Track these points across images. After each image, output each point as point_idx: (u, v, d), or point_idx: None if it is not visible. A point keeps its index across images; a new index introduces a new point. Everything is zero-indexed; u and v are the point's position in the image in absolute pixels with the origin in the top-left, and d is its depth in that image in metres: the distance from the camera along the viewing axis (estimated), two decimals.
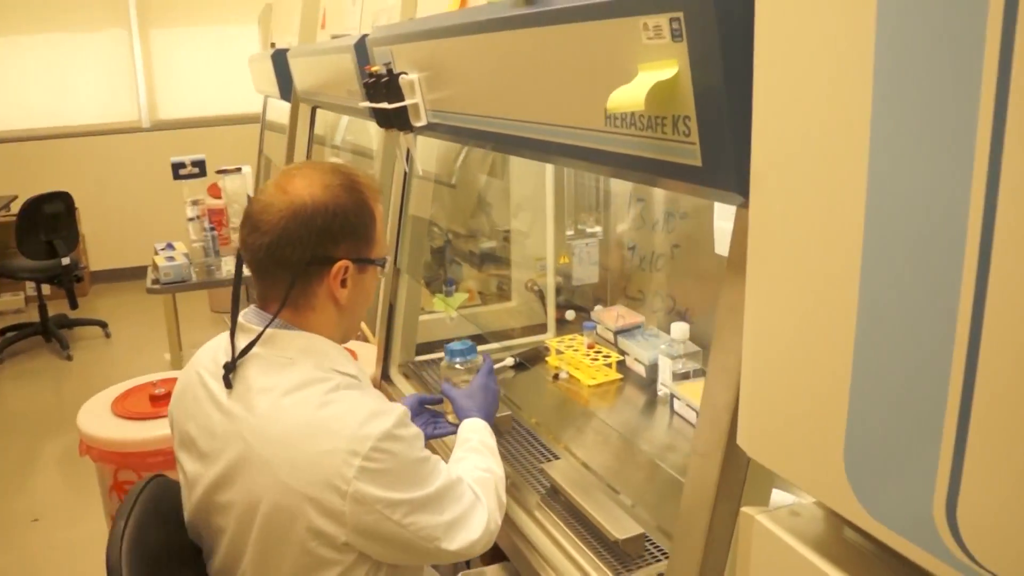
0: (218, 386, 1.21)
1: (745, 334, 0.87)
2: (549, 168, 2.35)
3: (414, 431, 1.19)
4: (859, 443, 0.76)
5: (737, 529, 0.99)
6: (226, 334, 1.26)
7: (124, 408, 2.17)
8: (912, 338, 0.68)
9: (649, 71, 0.92)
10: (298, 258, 1.19)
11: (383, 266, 1.29)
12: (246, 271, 1.26)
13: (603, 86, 1.04)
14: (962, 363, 0.64)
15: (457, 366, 1.82)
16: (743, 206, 0.92)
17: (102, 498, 2.18)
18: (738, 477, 0.98)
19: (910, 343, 0.69)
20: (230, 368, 1.19)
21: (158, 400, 2.19)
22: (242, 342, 1.21)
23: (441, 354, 2.39)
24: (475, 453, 1.42)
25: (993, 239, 0.60)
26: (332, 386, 1.16)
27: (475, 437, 1.47)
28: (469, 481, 1.31)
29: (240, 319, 1.25)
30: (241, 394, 1.18)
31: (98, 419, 2.14)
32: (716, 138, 0.88)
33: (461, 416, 1.55)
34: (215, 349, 1.29)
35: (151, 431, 2.07)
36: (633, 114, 0.99)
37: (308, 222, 1.17)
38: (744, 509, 0.93)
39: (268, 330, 1.20)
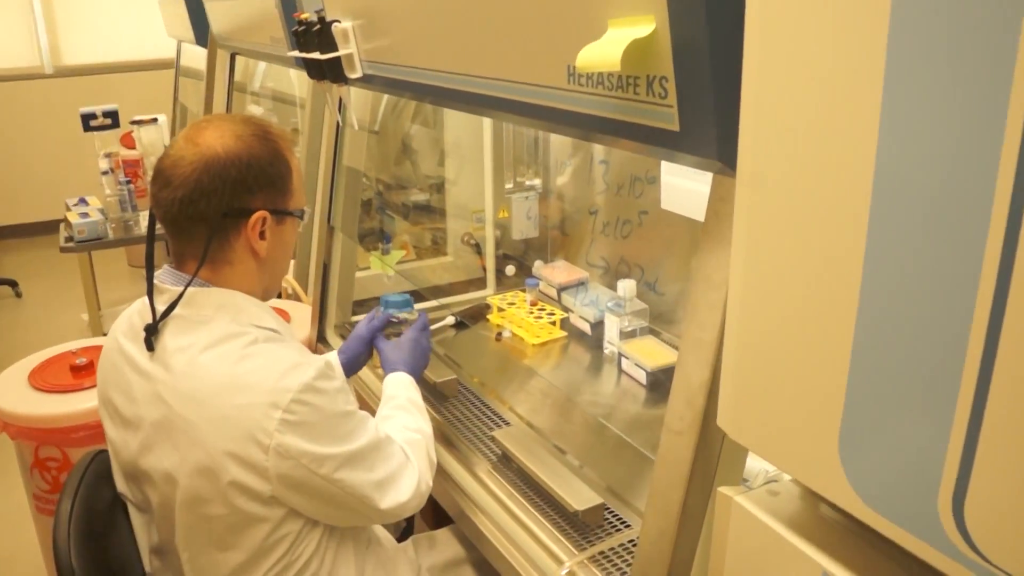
0: (136, 349, 1.19)
1: (730, 310, 0.82)
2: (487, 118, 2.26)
3: (337, 384, 1.17)
4: (856, 427, 0.72)
5: (713, 509, 0.95)
6: (142, 299, 1.24)
7: (43, 380, 2.02)
8: (923, 314, 0.63)
9: (621, 27, 0.85)
10: (213, 211, 1.16)
11: (302, 217, 1.27)
12: (159, 229, 1.22)
13: (567, 41, 0.96)
14: (981, 340, 0.59)
15: (393, 319, 1.76)
16: (723, 173, 0.86)
17: (22, 476, 2.05)
18: (712, 456, 0.94)
19: (921, 320, 0.64)
20: (151, 331, 1.16)
21: (80, 371, 2.05)
22: (159, 303, 1.19)
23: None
24: (403, 411, 1.41)
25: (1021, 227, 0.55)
26: (250, 340, 1.15)
27: (402, 394, 1.45)
28: (399, 441, 1.30)
29: (156, 280, 1.21)
30: (159, 355, 1.16)
31: (15, 393, 1.99)
32: (697, 101, 0.81)
33: (387, 369, 1.53)
34: (131, 313, 1.26)
35: (74, 404, 1.94)
36: (602, 73, 0.91)
37: (222, 173, 1.15)
38: (721, 490, 0.89)
39: (177, 289, 1.19)
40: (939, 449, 0.65)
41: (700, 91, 0.80)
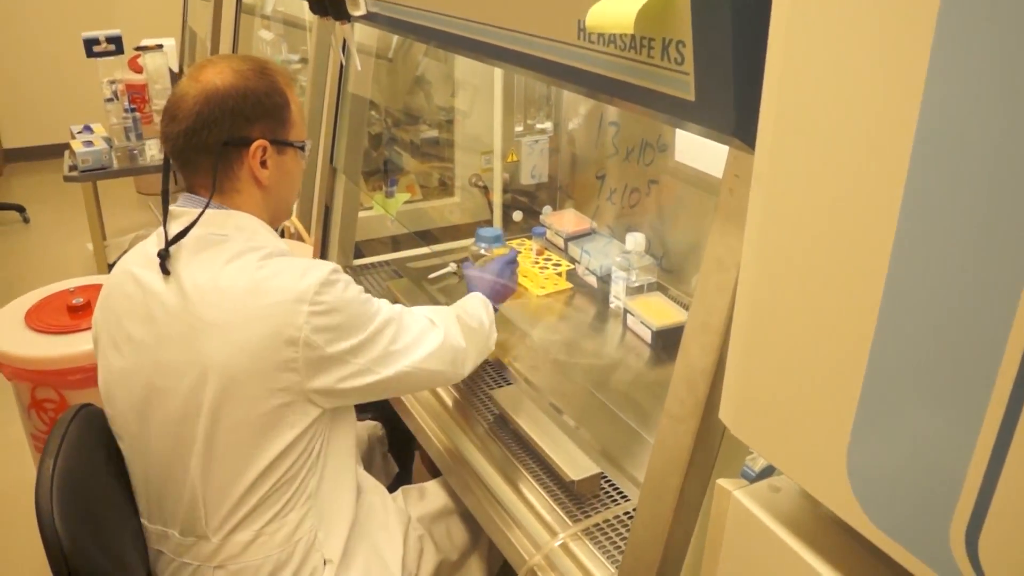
0: (152, 275, 1.23)
1: (740, 295, 0.76)
2: None
3: (347, 277, 1.25)
4: (867, 441, 0.66)
5: (710, 500, 0.91)
6: (156, 231, 1.29)
7: (39, 321, 1.98)
8: (955, 319, 0.57)
9: None
10: (215, 140, 1.23)
11: (303, 149, 1.33)
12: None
13: None
14: (1018, 354, 0.53)
15: (483, 251, 1.86)
16: (739, 148, 0.79)
17: (20, 416, 2.02)
18: (712, 446, 0.89)
19: (951, 325, 0.57)
20: (164, 255, 1.22)
21: (76, 311, 2.00)
22: (175, 227, 1.24)
23: (383, 256, 2.27)
24: (453, 309, 1.49)
25: None
26: (266, 253, 1.22)
27: (463, 304, 1.52)
28: (425, 313, 1.39)
29: (173, 207, 1.28)
30: (179, 273, 1.21)
31: (11, 333, 1.94)
32: (715, 70, 0.74)
33: (471, 289, 1.61)
34: (145, 244, 1.31)
35: (71, 347, 1.89)
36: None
37: (220, 104, 1.22)
38: (720, 482, 0.84)
39: (195, 211, 1.24)
40: (958, 472, 0.59)
41: (719, 59, 0.73)
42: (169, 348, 1.19)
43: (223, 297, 1.17)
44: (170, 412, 1.20)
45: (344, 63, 1.91)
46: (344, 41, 1.75)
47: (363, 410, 1.84)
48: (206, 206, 1.23)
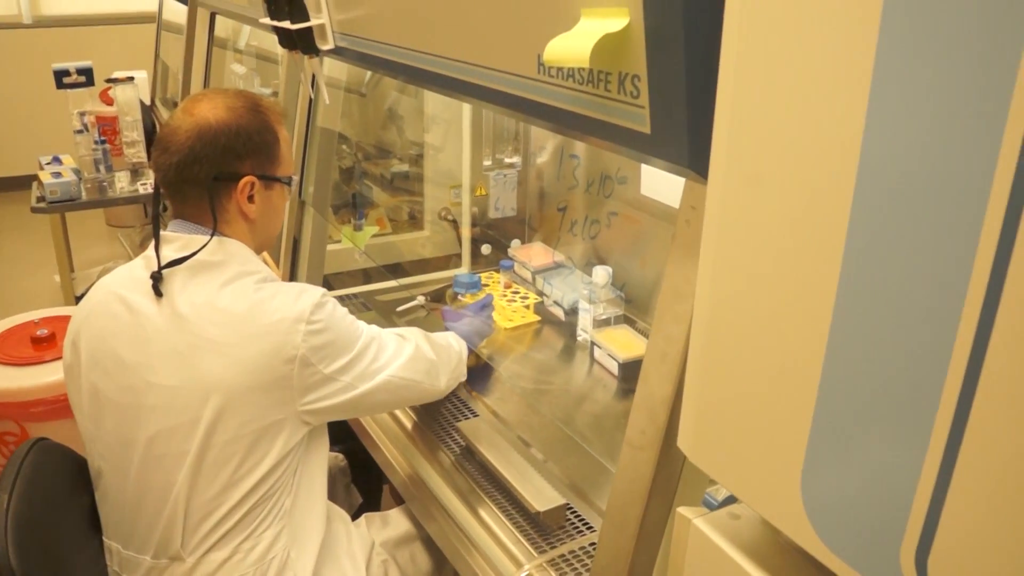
0: (141, 298, 1.26)
1: (695, 325, 0.77)
2: None
3: (334, 300, 1.30)
4: (820, 463, 0.67)
5: (671, 528, 0.91)
6: (132, 262, 1.33)
7: (2, 352, 1.95)
8: (898, 345, 0.58)
9: (594, 18, 0.78)
10: (205, 175, 1.26)
11: (289, 183, 1.37)
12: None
13: (538, 28, 0.89)
14: (959, 380, 0.54)
15: (460, 296, 1.90)
16: (694, 180, 0.80)
17: None
18: (673, 474, 0.89)
19: (895, 351, 0.58)
20: (158, 277, 1.25)
21: (41, 343, 1.97)
22: (167, 252, 1.28)
23: (352, 289, 2.27)
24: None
25: (1017, 234, 0.49)
26: (260, 278, 1.28)
27: (436, 334, 1.55)
28: (396, 331, 1.44)
29: (165, 232, 1.32)
30: (172, 296, 1.24)
31: None
32: (669, 104, 0.75)
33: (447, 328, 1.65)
34: (132, 267, 1.34)
35: (34, 379, 1.87)
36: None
37: (212, 140, 1.25)
38: (680, 510, 0.85)
39: (188, 236, 1.28)
40: (906, 494, 0.60)
41: (673, 93, 0.74)
42: (164, 368, 1.21)
43: (223, 317, 1.21)
44: (161, 430, 1.22)
45: (313, 97, 1.92)
46: (313, 76, 1.76)
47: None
48: (211, 236, 1.28)
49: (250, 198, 1.30)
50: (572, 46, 0.77)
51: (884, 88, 0.55)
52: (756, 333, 0.71)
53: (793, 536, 0.71)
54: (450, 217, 2.47)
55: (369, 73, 2.39)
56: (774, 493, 0.73)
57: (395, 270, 2.38)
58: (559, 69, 0.88)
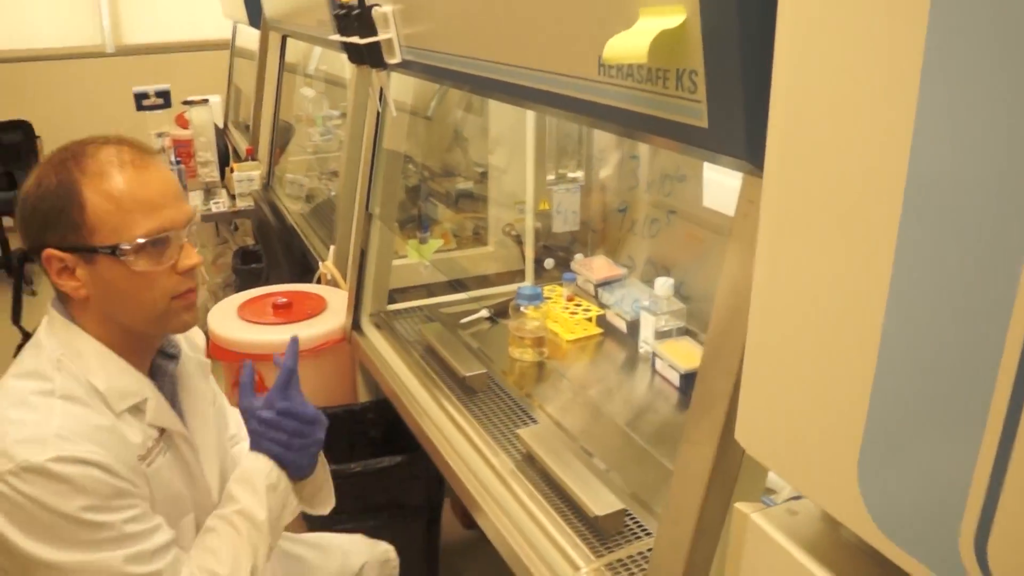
0: None
1: (751, 317, 0.78)
2: (531, 112, 2.23)
3: (91, 482, 1.01)
4: (876, 453, 0.68)
5: (729, 524, 0.92)
6: None
7: (250, 314, 2.32)
8: (953, 331, 0.59)
9: (652, 16, 0.81)
10: (23, 251, 1.14)
11: (115, 253, 1.07)
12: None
13: (598, 30, 0.92)
14: (1014, 363, 0.55)
15: (522, 309, 1.86)
16: (751, 173, 0.82)
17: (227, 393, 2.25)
18: (731, 469, 0.90)
19: (950, 337, 0.59)
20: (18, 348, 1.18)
21: (279, 309, 2.34)
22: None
23: (417, 302, 2.32)
24: (225, 529, 1.19)
25: None
26: (46, 390, 1.07)
27: (244, 497, 1.20)
28: None
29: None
30: None
31: (227, 322, 2.28)
32: (726, 97, 0.77)
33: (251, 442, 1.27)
34: None
35: (272, 335, 2.21)
36: (631, 65, 0.87)
37: (21, 214, 1.10)
38: (738, 506, 0.85)
39: (51, 315, 1.15)
40: (963, 478, 0.60)
41: (730, 86, 0.76)
42: None
43: None
44: None
45: (381, 111, 1.98)
46: (380, 89, 1.82)
47: (364, 516, 1.86)
48: (50, 309, 1.14)
49: (68, 275, 1.09)
50: (630, 43, 0.79)
51: (934, 81, 0.56)
52: (811, 324, 0.72)
53: (850, 524, 0.72)
54: (514, 233, 2.51)
55: (435, 98, 2.46)
56: (832, 483, 0.73)
57: (459, 285, 2.43)
58: (618, 69, 0.90)
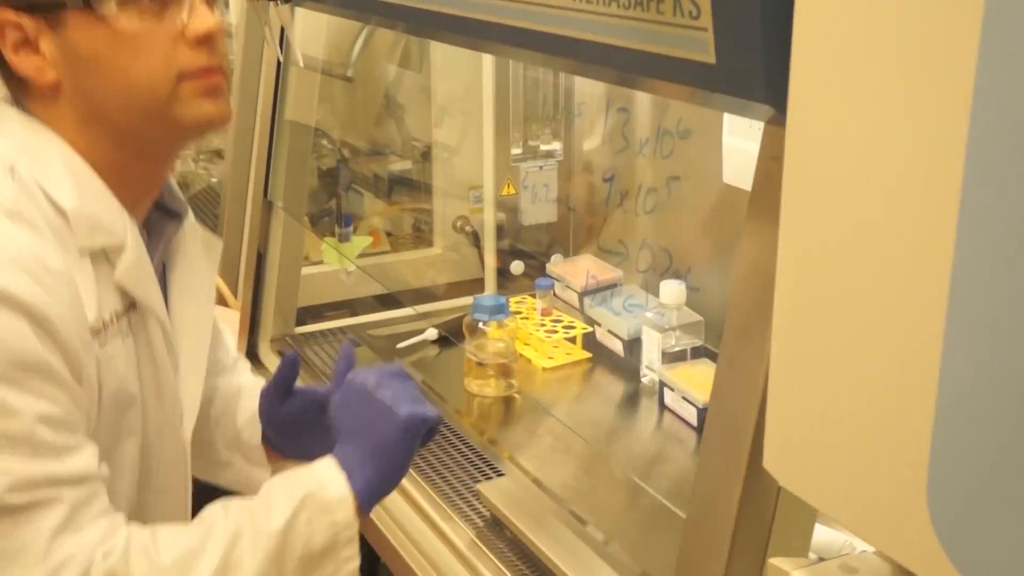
0: None
1: (776, 309, 0.84)
2: (488, 58, 2.29)
3: (13, 335, 0.99)
4: (951, 482, 0.72)
5: None
6: None
7: None
8: None
9: None
10: None
11: (99, 6, 1.07)
12: None
13: None
14: None
15: (481, 326, 1.94)
16: (774, 122, 0.89)
17: None
18: (764, 512, 0.95)
19: None
20: None
21: None
22: None
23: (337, 322, 2.36)
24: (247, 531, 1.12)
25: None
26: None
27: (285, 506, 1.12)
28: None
29: None
30: None
31: None
32: (738, 21, 0.84)
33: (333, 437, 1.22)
34: None
35: None
36: None
37: None
38: (773, 562, 0.89)
39: None
40: None
41: (743, 7, 0.83)
42: None
43: None
44: None
45: (281, 59, 2.03)
46: (282, 32, 1.87)
47: None
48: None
49: (26, 47, 1.09)
50: None
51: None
52: (853, 313, 0.77)
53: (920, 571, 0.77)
54: (468, 229, 2.56)
55: (356, 49, 2.51)
56: (893, 520, 0.78)
57: (394, 299, 2.47)
58: None
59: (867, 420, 0.78)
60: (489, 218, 2.43)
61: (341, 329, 2.33)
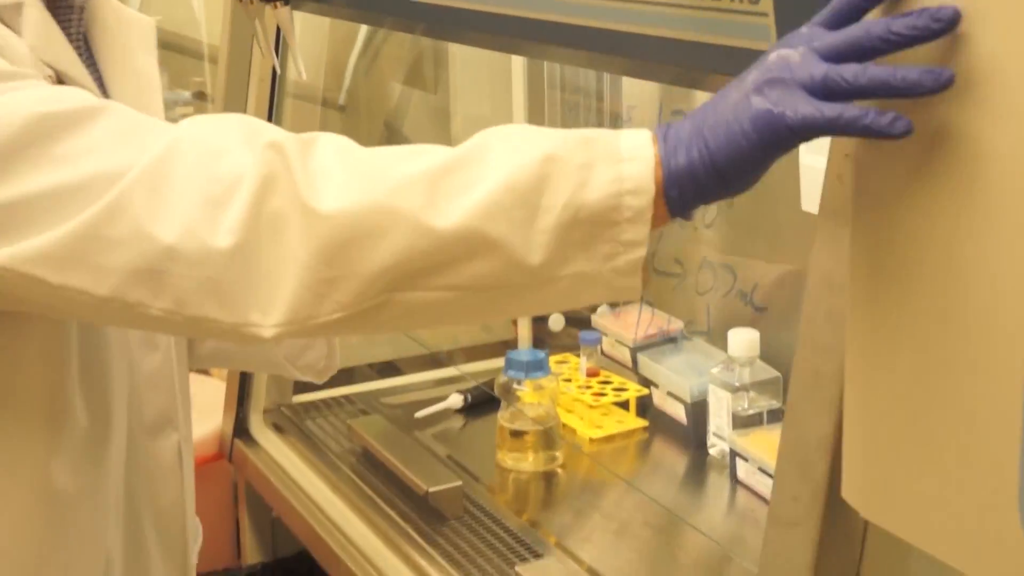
0: None
1: (850, 322, 0.94)
2: (518, 70, 2.40)
3: None
4: None
5: None
6: None
7: None
8: None
9: None
10: None
11: None
12: None
13: None
14: None
15: (516, 385, 2.01)
16: None
17: None
18: (849, 555, 1.03)
19: None
20: None
21: None
22: None
23: (342, 389, 2.41)
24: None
25: None
26: None
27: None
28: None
29: None
30: None
31: None
32: (801, 4, 0.94)
33: None
34: None
35: None
36: None
37: None
38: None
39: None
40: None
41: None
42: None
43: None
44: None
45: (278, 69, 2.11)
46: (277, 34, 1.96)
47: None
48: None
49: None
50: None
51: None
52: (931, 322, 0.87)
53: None
54: None
55: (350, 72, 2.63)
56: (996, 551, 0.85)
57: (409, 363, 2.56)
58: None
59: (954, 442, 0.87)
60: None
61: (347, 397, 2.40)
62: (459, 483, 1.94)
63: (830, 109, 0.87)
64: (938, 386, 0.89)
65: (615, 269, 0.96)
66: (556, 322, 2.53)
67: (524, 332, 2.54)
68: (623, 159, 0.95)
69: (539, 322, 2.56)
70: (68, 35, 1.24)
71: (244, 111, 2.42)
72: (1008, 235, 0.80)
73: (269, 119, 2.31)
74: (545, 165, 0.94)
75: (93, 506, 1.25)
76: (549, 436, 2.05)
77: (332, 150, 1.00)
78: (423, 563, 1.79)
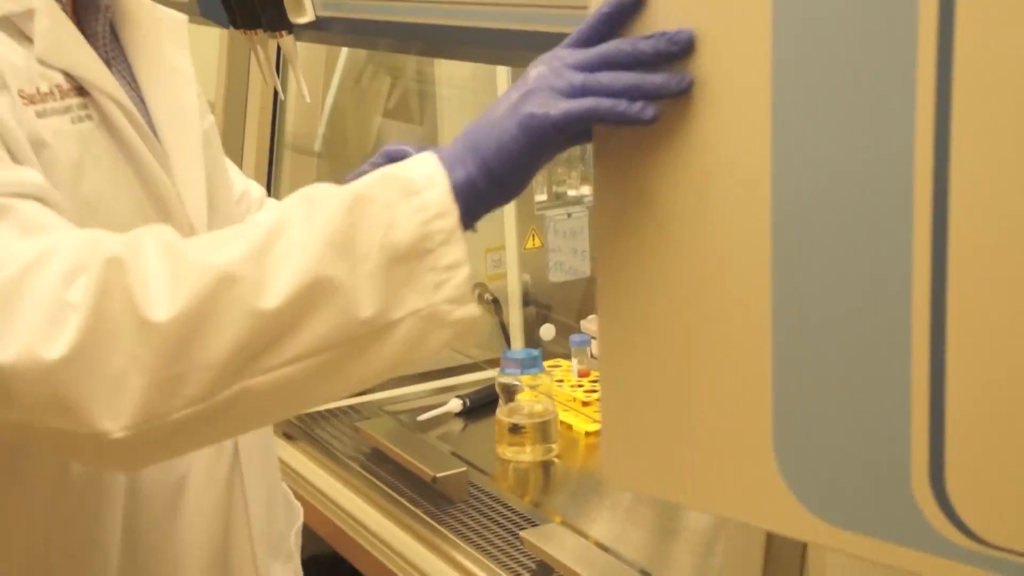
0: None
1: (598, 300, 1.15)
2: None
3: None
4: (789, 427, 0.95)
5: None
6: None
7: None
8: (856, 279, 0.90)
9: None
10: None
11: None
12: None
13: None
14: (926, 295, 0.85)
15: (515, 382, 2.14)
16: None
17: None
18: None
19: (854, 283, 0.90)
20: None
21: None
22: None
23: (345, 400, 2.51)
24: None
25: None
26: None
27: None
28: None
29: None
30: None
31: None
32: None
33: None
34: None
35: None
36: None
37: None
38: None
39: None
40: (901, 425, 0.87)
41: None
42: None
43: None
44: None
45: (282, 95, 2.26)
46: (277, 62, 2.10)
47: None
48: None
49: None
50: None
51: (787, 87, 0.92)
52: (680, 301, 1.03)
53: (785, 530, 1.00)
54: (488, 296, 2.75)
55: (328, 105, 2.74)
56: (748, 483, 0.99)
57: (409, 377, 2.67)
58: None
59: (706, 396, 1.02)
60: (513, 274, 2.64)
61: (352, 407, 2.54)
62: (464, 468, 2.08)
63: (588, 101, 1.02)
64: (686, 343, 1.03)
65: (448, 299, 1.05)
66: (547, 332, 2.66)
67: (516, 334, 2.68)
68: (420, 190, 1.05)
69: (531, 333, 2.71)
70: (92, 34, 1.33)
71: (244, 154, 2.63)
72: (722, 186, 0.99)
73: (269, 159, 2.48)
74: (352, 214, 1.03)
75: (99, 491, 1.35)
76: (546, 429, 2.17)
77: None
78: (434, 539, 1.94)
